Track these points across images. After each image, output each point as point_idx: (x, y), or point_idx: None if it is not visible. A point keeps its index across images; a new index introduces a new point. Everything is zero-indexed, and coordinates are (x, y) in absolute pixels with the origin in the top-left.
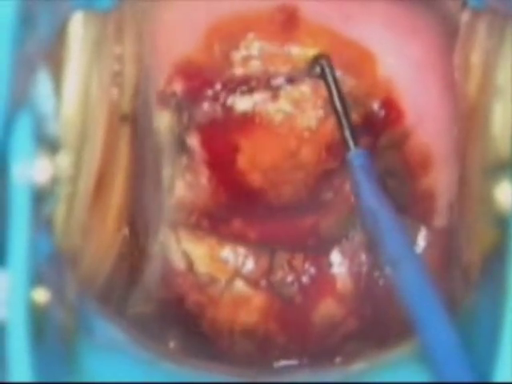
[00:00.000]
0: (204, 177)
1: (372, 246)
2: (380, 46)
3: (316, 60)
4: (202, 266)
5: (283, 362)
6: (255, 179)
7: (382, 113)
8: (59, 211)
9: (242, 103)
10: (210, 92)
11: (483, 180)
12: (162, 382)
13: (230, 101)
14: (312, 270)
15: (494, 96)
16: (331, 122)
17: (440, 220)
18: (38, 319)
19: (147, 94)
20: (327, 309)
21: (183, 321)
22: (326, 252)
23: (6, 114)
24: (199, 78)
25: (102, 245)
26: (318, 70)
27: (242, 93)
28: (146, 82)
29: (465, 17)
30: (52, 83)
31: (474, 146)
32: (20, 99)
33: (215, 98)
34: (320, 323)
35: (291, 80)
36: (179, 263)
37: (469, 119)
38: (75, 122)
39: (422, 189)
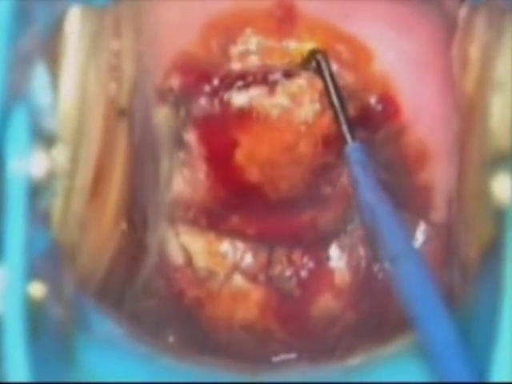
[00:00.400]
0: (201, 172)
1: (369, 240)
2: (377, 41)
3: (312, 55)
4: (201, 261)
5: (282, 356)
6: (253, 174)
7: (379, 107)
8: (56, 205)
9: (239, 98)
10: (207, 87)
11: (481, 174)
12: (160, 377)
13: (227, 96)
14: (310, 265)
15: (492, 90)
16: (328, 116)
17: (438, 214)
18: (35, 314)
19: (145, 88)
20: (326, 303)
21: (182, 315)
22: (325, 246)
23: (2, 108)
24: (197, 73)
25: (100, 239)
26: (314, 64)
27: (240, 88)
28: (143, 77)
29: (463, 11)
30: (49, 77)
31: (472, 140)
32: (16, 93)
33: (213, 93)
34: (318, 317)
35: (288, 75)
36: (177, 258)
37: (467, 113)
38: (72, 117)
39: (419, 183)
